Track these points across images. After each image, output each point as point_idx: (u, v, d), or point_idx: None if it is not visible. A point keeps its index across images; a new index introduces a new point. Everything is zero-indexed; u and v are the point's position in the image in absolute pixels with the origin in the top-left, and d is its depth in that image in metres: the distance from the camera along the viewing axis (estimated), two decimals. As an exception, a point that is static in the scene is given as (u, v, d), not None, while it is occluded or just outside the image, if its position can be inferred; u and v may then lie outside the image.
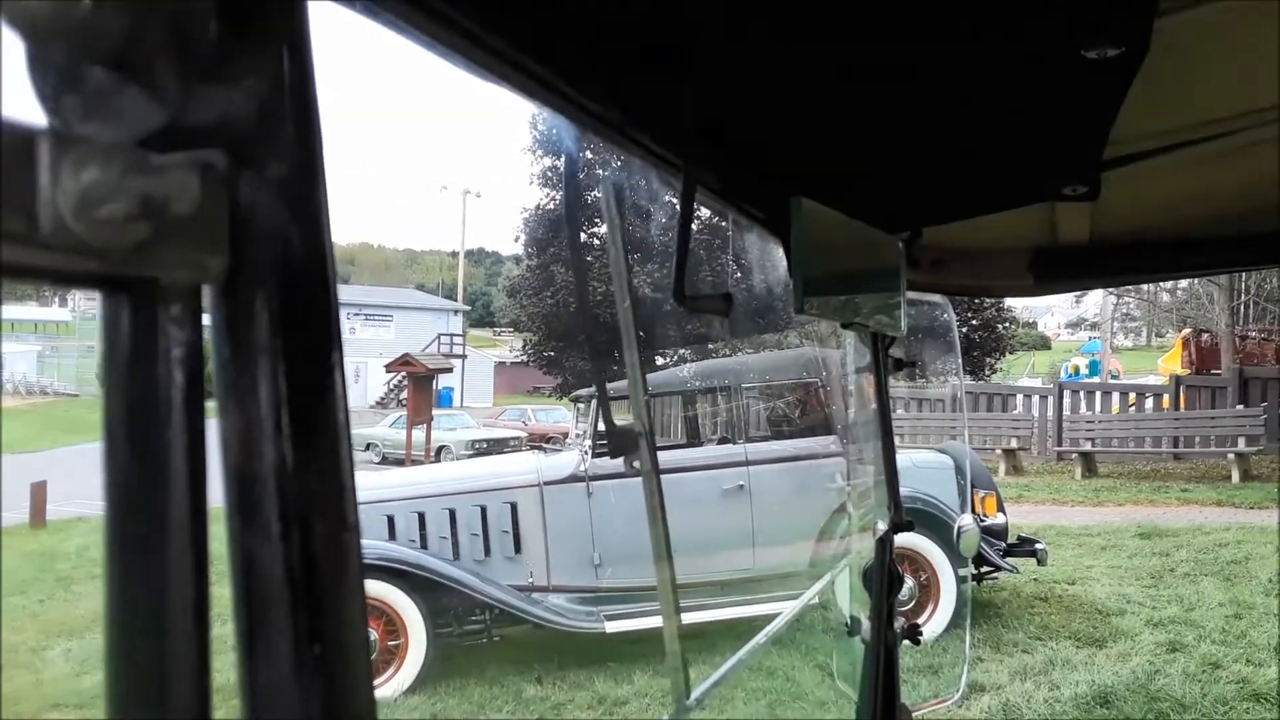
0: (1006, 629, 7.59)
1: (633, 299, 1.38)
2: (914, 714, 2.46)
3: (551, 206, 26.80)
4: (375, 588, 6.55)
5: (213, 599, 0.41)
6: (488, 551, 7.33)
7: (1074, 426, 18.16)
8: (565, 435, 21.49)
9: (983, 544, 7.36)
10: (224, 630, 0.41)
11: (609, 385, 2.73)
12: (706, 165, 1.26)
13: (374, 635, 6.58)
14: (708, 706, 1.65)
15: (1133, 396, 19.99)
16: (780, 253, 1.52)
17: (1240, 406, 16.97)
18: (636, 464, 1.43)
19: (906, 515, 2.30)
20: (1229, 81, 1.36)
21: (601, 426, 7.25)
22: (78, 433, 19.65)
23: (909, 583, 7.19)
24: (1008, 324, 27.52)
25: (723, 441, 8.09)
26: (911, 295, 2.07)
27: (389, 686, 6.61)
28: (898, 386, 16.19)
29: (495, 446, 21.94)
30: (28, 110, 0.36)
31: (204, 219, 0.39)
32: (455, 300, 53.47)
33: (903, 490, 2.42)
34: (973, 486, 7.61)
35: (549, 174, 27.00)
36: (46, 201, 0.34)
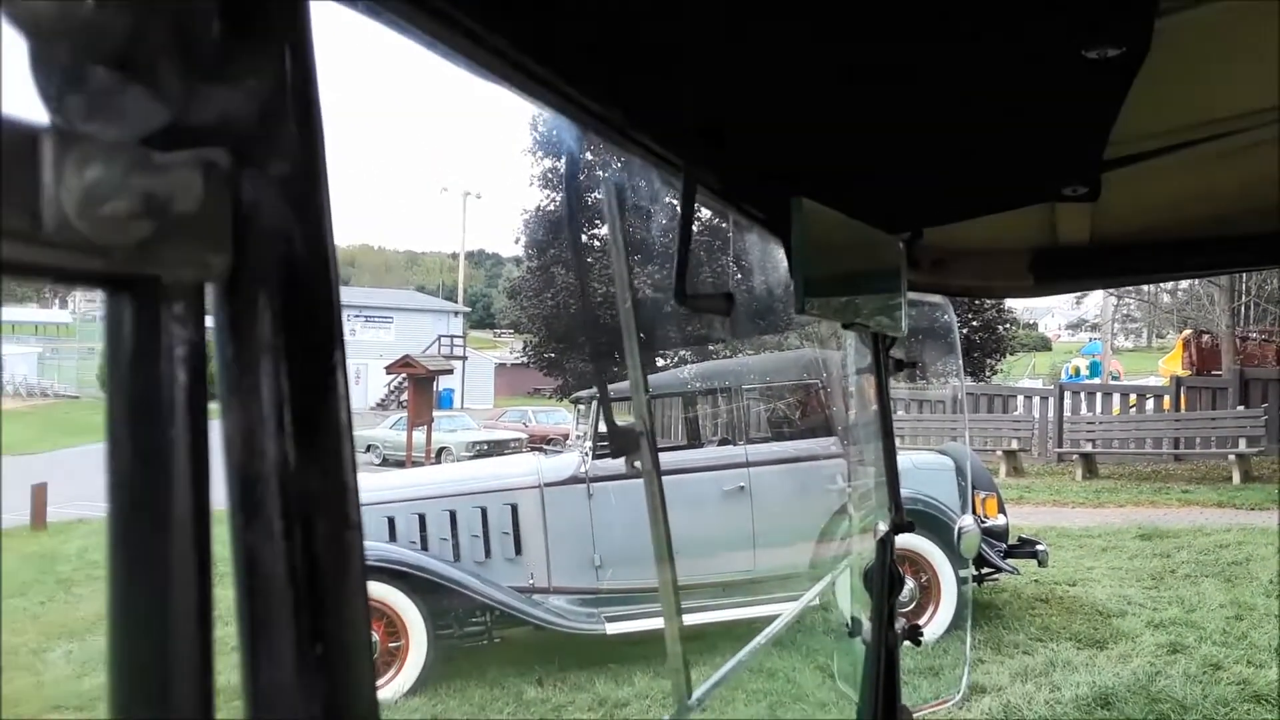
0: (1007, 630, 7.59)
1: (634, 300, 1.38)
2: (915, 715, 2.46)
3: (552, 208, 26.80)
4: (376, 589, 6.55)
5: (215, 599, 0.41)
6: (488, 553, 7.33)
7: (1075, 428, 18.16)
8: (566, 437, 21.47)
9: (983, 545, 7.36)
10: (225, 631, 0.41)
11: (610, 386, 2.73)
12: (707, 165, 1.26)
13: (375, 637, 6.58)
14: (709, 707, 1.65)
15: (1133, 398, 19.99)
16: (781, 253, 1.52)
17: (1241, 407, 16.96)
18: (638, 464, 1.43)
19: (907, 516, 2.30)
20: (1229, 82, 1.36)
21: (602, 428, 7.25)
22: (78, 435, 19.64)
23: (909, 584, 7.19)
24: (1008, 325, 27.51)
25: (723, 443, 8.09)
26: (912, 296, 2.07)
27: (390, 688, 6.60)
28: (898, 388, 16.19)
29: (496, 448, 21.92)
30: (31, 109, 0.36)
31: (207, 217, 0.40)
32: (455, 302, 53.48)
33: (903, 491, 2.42)
34: (973, 488, 7.61)
35: (549, 176, 27.01)
36: (50, 199, 0.34)
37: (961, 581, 7.29)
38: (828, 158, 1.53)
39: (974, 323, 24.72)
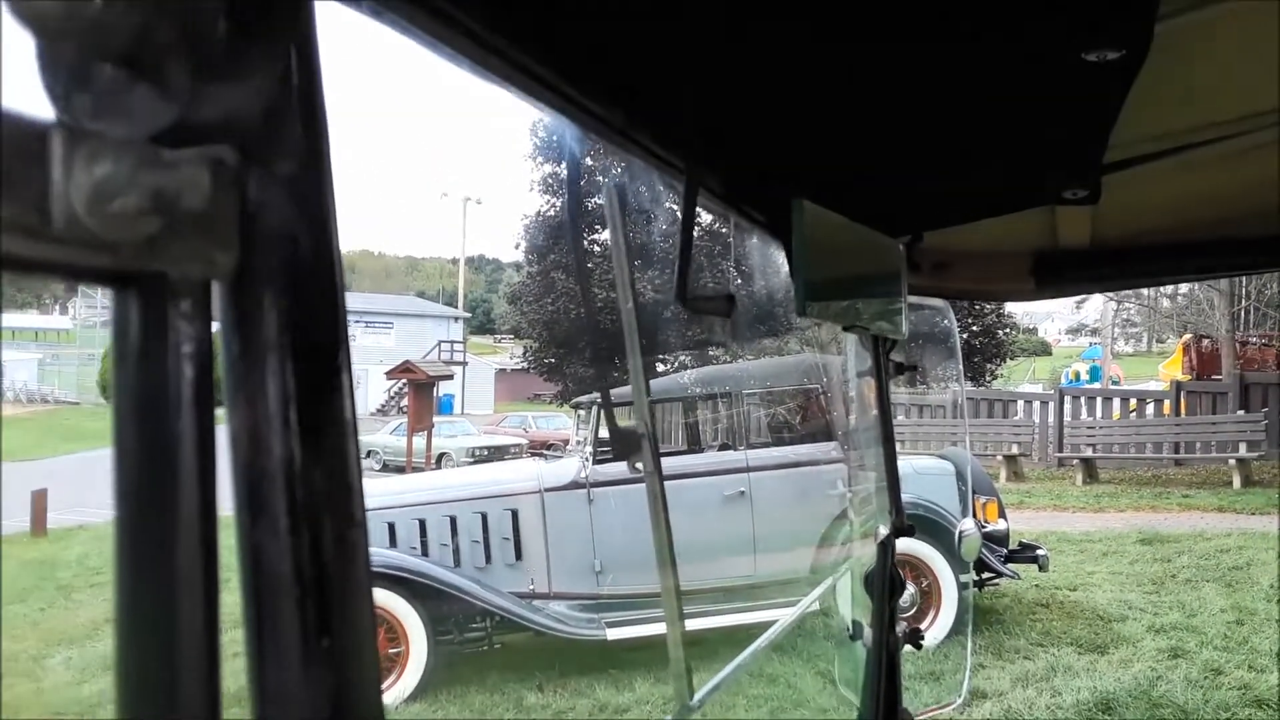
0: (1008, 635, 7.58)
1: (635, 302, 1.39)
2: None
3: (552, 213, 26.81)
4: (376, 595, 6.39)
5: (219, 599, 0.41)
6: (489, 558, 7.32)
7: (1075, 432, 18.15)
8: (566, 442, 21.47)
9: (984, 550, 7.35)
10: (230, 636, 0.41)
11: (611, 391, 2.73)
12: (708, 166, 1.26)
13: (375, 642, 6.55)
14: (710, 712, 1.65)
15: (1134, 402, 19.99)
16: (781, 256, 1.52)
17: (1241, 412, 16.96)
18: (640, 465, 1.43)
19: (907, 521, 2.30)
20: (1229, 84, 1.36)
21: (603, 432, 7.25)
22: (78, 441, 19.62)
23: (910, 589, 7.18)
24: (1008, 330, 27.50)
25: (724, 448, 8.09)
26: (912, 299, 2.07)
27: (390, 694, 6.59)
28: (898, 392, 16.19)
29: (496, 453, 21.91)
30: (41, 107, 0.36)
31: (214, 215, 0.40)
32: (456, 307, 53.48)
33: (904, 496, 2.41)
34: (974, 492, 7.61)
35: (549, 180, 27.03)
36: (59, 195, 0.34)
37: (962, 586, 7.28)
38: (828, 160, 1.53)
39: (974, 327, 24.71)
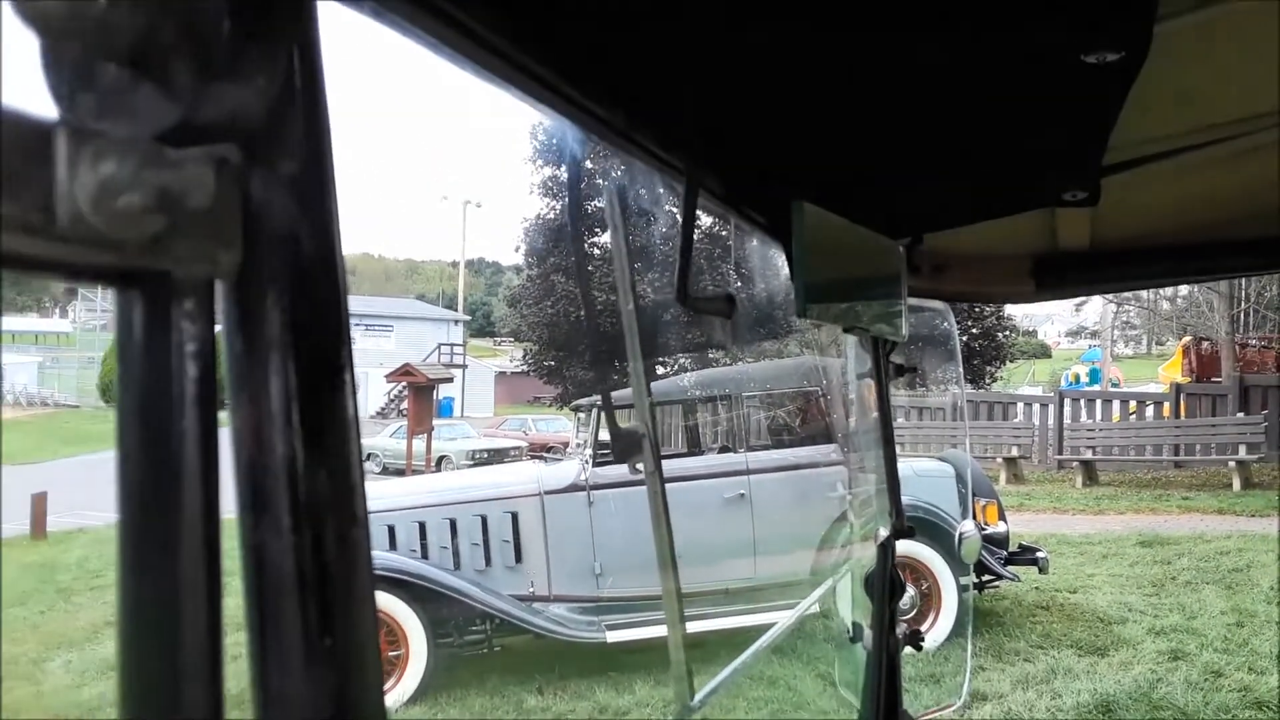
0: (1008, 637, 7.58)
1: (636, 303, 1.39)
2: (916, 721, 2.46)
3: (552, 216, 26.81)
4: (376, 598, 6.52)
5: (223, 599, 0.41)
6: (488, 561, 7.32)
7: (1075, 435, 18.14)
8: (566, 445, 21.46)
9: (984, 552, 7.35)
10: (233, 638, 0.41)
11: (611, 393, 2.73)
12: (708, 168, 1.26)
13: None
14: (711, 714, 1.65)
15: (1133, 404, 19.97)
16: (781, 258, 1.52)
17: (1241, 414, 16.96)
18: (639, 467, 1.43)
19: (907, 523, 2.30)
20: (1229, 86, 1.36)
21: (604, 435, 7.24)
22: (78, 444, 19.62)
23: (910, 591, 7.17)
24: (1008, 332, 27.50)
25: (724, 450, 8.09)
26: (912, 301, 2.07)
27: (390, 696, 6.58)
28: (898, 395, 16.18)
29: (496, 456, 21.92)
30: (45, 106, 0.36)
31: (218, 213, 0.40)
32: (455, 310, 53.47)
33: (904, 498, 2.41)
34: (974, 495, 7.61)
35: (549, 183, 27.03)
36: (64, 194, 0.34)
37: (962, 589, 7.28)
38: (828, 161, 1.53)
39: (974, 330, 24.71)
